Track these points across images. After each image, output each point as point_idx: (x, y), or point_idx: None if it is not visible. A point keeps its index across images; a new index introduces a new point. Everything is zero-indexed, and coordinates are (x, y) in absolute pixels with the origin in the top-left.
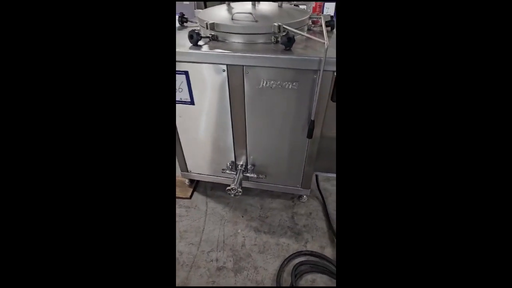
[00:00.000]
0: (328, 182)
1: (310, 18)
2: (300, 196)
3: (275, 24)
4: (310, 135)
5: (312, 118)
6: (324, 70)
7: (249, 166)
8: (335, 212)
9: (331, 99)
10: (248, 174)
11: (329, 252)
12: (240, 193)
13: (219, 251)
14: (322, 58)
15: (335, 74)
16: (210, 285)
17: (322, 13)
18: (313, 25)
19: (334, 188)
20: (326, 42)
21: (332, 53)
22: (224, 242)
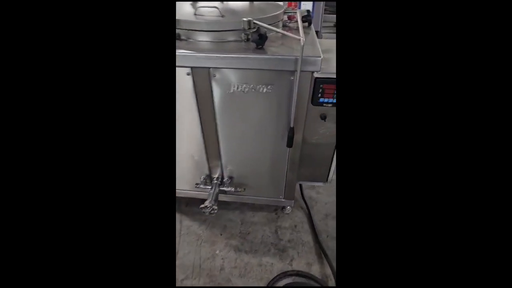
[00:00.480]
0: (313, 189)
1: (285, 12)
2: (283, 207)
3: (245, 19)
4: (290, 143)
5: (291, 125)
6: (301, 71)
7: (225, 179)
8: (321, 223)
9: (312, 102)
10: (225, 188)
11: (317, 269)
12: (215, 211)
13: (195, 278)
14: (298, 57)
15: (314, 75)
16: None
17: (299, 8)
18: (289, 21)
19: (320, 196)
20: (302, 39)
21: (310, 51)
22: (200, 266)
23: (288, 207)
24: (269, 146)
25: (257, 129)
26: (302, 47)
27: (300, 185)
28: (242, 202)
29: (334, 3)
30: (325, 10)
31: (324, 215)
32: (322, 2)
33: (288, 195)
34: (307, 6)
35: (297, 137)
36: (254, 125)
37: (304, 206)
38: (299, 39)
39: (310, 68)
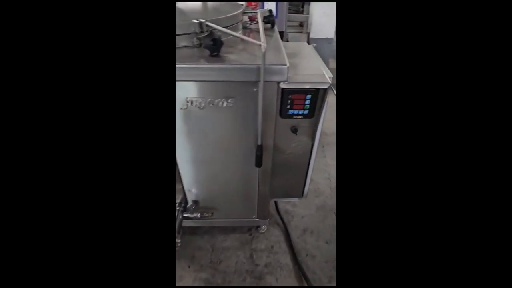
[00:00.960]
0: (289, 203)
1: (244, 13)
2: (258, 226)
3: (195, 21)
4: (259, 163)
5: (259, 143)
6: (265, 81)
7: (189, 205)
8: (299, 240)
9: (280, 115)
10: (189, 215)
11: None
12: (179, 244)
13: None
14: (260, 66)
15: (280, 85)
16: None
17: (262, 8)
18: (250, 22)
19: (296, 209)
20: (263, 45)
21: (274, 58)
22: None
23: (263, 226)
24: (236, 166)
25: (220, 148)
26: (264, 55)
27: (276, 202)
28: (212, 225)
29: (298, 3)
30: (288, 9)
31: (302, 230)
32: (285, 2)
33: (261, 214)
34: (270, 5)
35: (267, 154)
36: (216, 144)
37: (281, 222)
38: (260, 45)
39: (275, 78)
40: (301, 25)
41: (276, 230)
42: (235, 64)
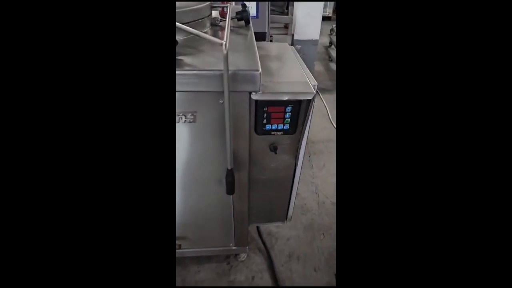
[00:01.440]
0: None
1: (213, 7)
2: (237, 254)
3: None
4: (230, 190)
5: (229, 166)
6: (233, 91)
7: None
8: (284, 268)
9: (256, 131)
10: None
11: None
12: None
13: None
14: (223, 72)
15: (252, 97)
16: None
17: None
18: (220, 19)
19: (280, 230)
20: (224, 44)
21: (243, 63)
22: None
23: (243, 254)
24: (205, 192)
25: (185, 173)
26: (226, 57)
27: (257, 227)
28: (182, 256)
29: (282, 3)
30: (273, 11)
31: (287, 255)
32: (267, 2)
33: (239, 241)
34: (252, 7)
35: (242, 176)
36: (179, 168)
37: (263, 247)
38: (221, 44)
39: (246, 87)
40: (286, 27)
41: (258, 257)
42: (192, 69)
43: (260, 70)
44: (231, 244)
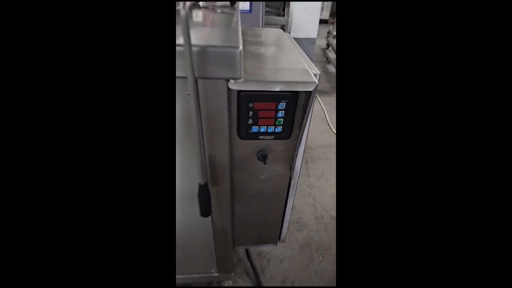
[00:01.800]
0: None
1: None
2: (220, 281)
3: None
4: (205, 211)
5: (201, 182)
6: (202, 77)
7: None
8: None
9: (239, 135)
10: None
11: None
12: None
13: None
14: (184, 47)
15: (230, 86)
16: None
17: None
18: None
19: (272, 250)
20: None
21: (219, 38)
22: None
23: (228, 281)
24: (177, 210)
25: None
26: (186, 19)
27: (246, 250)
28: None
29: (279, 4)
30: (269, 12)
31: (281, 281)
32: (261, 2)
33: (223, 267)
34: (246, 6)
35: (222, 190)
36: None
37: (251, 271)
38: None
39: (221, 72)
40: (282, 28)
41: (246, 283)
42: None
43: (241, 48)
44: (212, 270)
